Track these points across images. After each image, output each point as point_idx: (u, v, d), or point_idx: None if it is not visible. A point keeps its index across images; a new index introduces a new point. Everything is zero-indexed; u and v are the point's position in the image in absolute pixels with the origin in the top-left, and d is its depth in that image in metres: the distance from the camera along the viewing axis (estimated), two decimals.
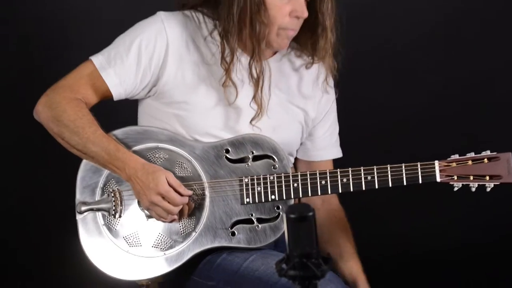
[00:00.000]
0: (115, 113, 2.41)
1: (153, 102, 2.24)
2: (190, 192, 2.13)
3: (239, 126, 2.21)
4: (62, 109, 2.14)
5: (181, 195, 2.12)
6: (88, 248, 2.19)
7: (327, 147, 2.35)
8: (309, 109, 2.30)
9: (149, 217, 2.19)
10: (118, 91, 2.19)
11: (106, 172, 2.19)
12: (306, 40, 2.22)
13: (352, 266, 2.29)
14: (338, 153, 2.38)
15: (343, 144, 2.40)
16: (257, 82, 2.16)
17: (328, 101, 2.33)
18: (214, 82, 2.19)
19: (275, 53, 2.27)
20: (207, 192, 2.18)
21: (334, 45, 2.19)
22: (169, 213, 2.12)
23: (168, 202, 2.11)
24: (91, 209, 2.18)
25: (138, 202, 2.19)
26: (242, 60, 2.19)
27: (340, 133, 2.41)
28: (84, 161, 2.21)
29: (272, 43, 2.18)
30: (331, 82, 2.32)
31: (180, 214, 2.15)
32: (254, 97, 2.18)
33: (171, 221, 2.15)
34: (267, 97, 2.21)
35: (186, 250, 2.17)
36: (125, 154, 2.13)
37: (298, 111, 2.29)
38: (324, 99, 2.32)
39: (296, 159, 2.37)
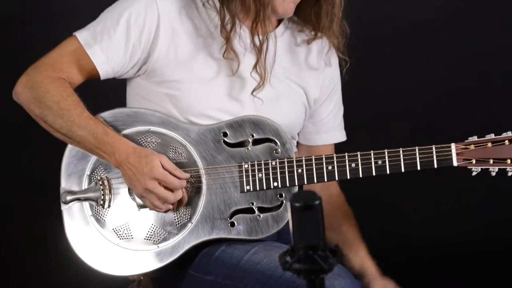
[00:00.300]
0: (102, 93, 2.39)
1: (143, 82, 2.21)
2: (187, 175, 2.10)
3: (240, 97, 2.19)
4: (45, 90, 2.11)
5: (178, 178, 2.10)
6: (74, 241, 2.16)
7: (330, 129, 2.35)
8: (311, 89, 2.28)
9: (141, 206, 2.16)
10: (105, 70, 2.16)
11: (93, 158, 2.17)
12: (309, 10, 2.22)
13: (358, 252, 2.28)
14: (342, 136, 2.37)
15: (350, 127, 2.39)
16: (260, 50, 2.15)
17: (332, 79, 2.32)
18: (210, 56, 2.18)
19: (277, 25, 2.26)
20: (203, 180, 2.16)
21: (338, 14, 2.19)
22: (165, 201, 2.09)
23: (165, 188, 2.08)
24: (78, 199, 2.16)
25: (129, 190, 2.16)
26: (243, 29, 2.18)
27: (346, 115, 2.39)
28: (69, 146, 2.18)
29: (277, 8, 2.16)
30: (335, 57, 2.31)
31: (177, 203, 2.13)
32: (255, 66, 2.16)
33: (166, 211, 2.12)
34: (270, 67, 2.19)
35: (181, 243, 2.15)
36: (114, 138, 2.10)
37: (300, 91, 2.27)
38: (328, 78, 2.31)
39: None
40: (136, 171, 2.08)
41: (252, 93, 2.17)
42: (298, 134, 2.34)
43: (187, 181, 2.13)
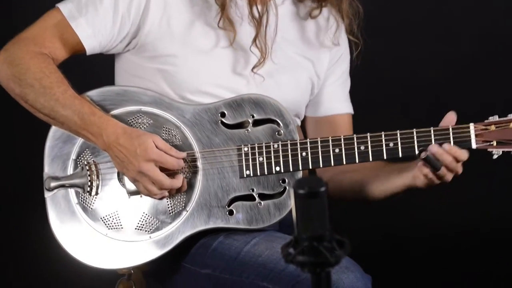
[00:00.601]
0: (88, 70, 2.40)
1: (133, 57, 2.20)
2: (184, 154, 2.10)
3: (244, 73, 2.18)
4: (25, 66, 2.10)
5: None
6: (59, 232, 2.15)
7: (339, 98, 2.33)
8: (320, 63, 2.28)
9: (131, 193, 2.14)
10: (91, 44, 2.15)
11: (79, 140, 2.16)
12: None
13: (390, 172, 2.18)
14: (351, 108, 2.37)
15: (359, 107, 2.38)
16: (259, 23, 2.15)
17: (338, 51, 2.31)
18: (208, 25, 2.18)
19: None
20: (199, 164, 2.14)
21: None
22: (161, 186, 2.07)
23: (159, 172, 2.06)
24: (62, 185, 2.15)
25: (118, 176, 2.15)
26: None
27: (355, 93, 2.38)
28: (52, 128, 2.17)
29: None
30: (344, 35, 2.31)
31: (172, 190, 2.12)
32: (255, 39, 2.15)
33: (161, 198, 2.11)
34: (272, 40, 2.18)
35: (175, 233, 2.14)
36: (102, 118, 2.09)
37: (307, 64, 2.27)
38: (338, 53, 2.32)
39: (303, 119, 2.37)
40: (128, 153, 2.06)
41: (252, 70, 2.17)
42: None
43: (186, 155, 2.12)
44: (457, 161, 2.06)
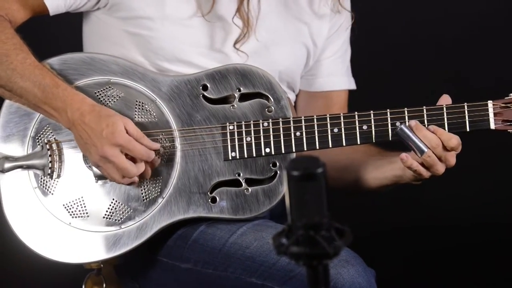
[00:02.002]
0: (51, 34, 2.42)
1: (104, 17, 2.21)
2: (157, 145, 2.11)
3: (223, 49, 2.19)
4: None
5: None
6: (14, 220, 2.15)
7: (337, 72, 2.35)
8: (315, 24, 2.29)
9: (99, 177, 2.16)
10: (54, 3, 2.16)
11: (38, 116, 2.16)
12: None
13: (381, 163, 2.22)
14: (351, 83, 2.38)
15: (361, 81, 2.38)
16: None
17: (339, 19, 2.33)
18: None
19: None
20: (177, 144, 2.16)
21: None
22: (126, 174, 2.09)
23: (124, 159, 2.07)
24: (19, 166, 2.15)
25: (84, 156, 2.16)
26: None
27: (356, 66, 2.39)
28: (6, 102, 2.17)
29: None
30: (347, 2, 2.32)
31: (141, 176, 2.12)
32: (238, 9, 2.16)
33: (128, 184, 2.12)
34: (256, 9, 2.19)
35: (149, 223, 2.15)
36: (67, 90, 2.09)
37: (301, 27, 2.27)
38: (338, 22, 2.33)
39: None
40: (92, 134, 2.07)
41: (234, 45, 2.19)
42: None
43: (160, 145, 2.12)
44: (445, 147, 2.05)
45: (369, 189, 2.25)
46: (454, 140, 2.06)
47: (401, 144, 2.13)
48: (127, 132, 2.07)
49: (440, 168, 2.06)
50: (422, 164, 2.07)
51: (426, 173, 2.07)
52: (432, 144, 2.04)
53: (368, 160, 2.24)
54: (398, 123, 2.07)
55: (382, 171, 2.21)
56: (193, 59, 2.17)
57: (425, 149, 2.04)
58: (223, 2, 2.18)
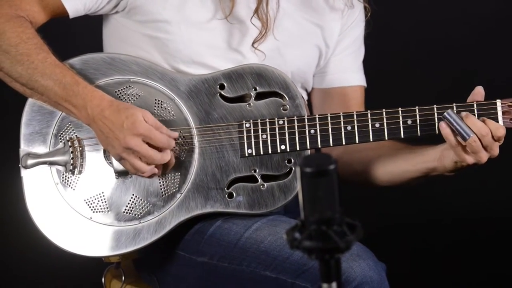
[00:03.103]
0: (72, 35, 2.42)
1: (124, 20, 2.21)
2: (176, 134, 2.11)
3: (240, 48, 2.20)
4: (0, 31, 2.10)
5: None
6: (37, 215, 2.16)
7: (351, 69, 2.34)
8: (328, 26, 2.28)
9: (119, 173, 2.16)
10: (74, 6, 2.16)
11: (60, 114, 2.16)
12: None
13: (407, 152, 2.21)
14: (363, 80, 2.38)
15: (373, 79, 2.38)
16: None
17: (351, 15, 2.32)
18: None
19: None
20: (195, 141, 2.16)
21: None
22: (150, 161, 2.07)
23: (148, 147, 2.06)
24: (42, 163, 2.16)
25: (105, 153, 2.16)
26: None
27: (368, 64, 2.38)
28: (29, 100, 2.18)
29: None
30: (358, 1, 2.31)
31: (163, 168, 2.12)
32: (256, 10, 2.16)
33: (150, 176, 2.11)
34: (274, 10, 2.19)
35: (168, 217, 2.15)
36: (86, 88, 2.09)
37: (314, 29, 2.27)
38: (351, 18, 2.33)
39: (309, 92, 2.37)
40: (113, 127, 2.06)
41: (252, 45, 2.19)
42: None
43: (176, 143, 2.12)
44: (493, 137, 2.04)
45: (399, 182, 2.25)
46: (501, 130, 2.06)
47: (423, 141, 2.13)
48: (146, 122, 2.07)
49: (484, 157, 2.06)
50: (466, 150, 2.06)
51: (468, 158, 2.06)
52: (482, 132, 2.03)
53: (396, 153, 2.23)
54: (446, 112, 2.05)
55: (413, 163, 2.20)
56: (209, 61, 2.17)
57: (471, 134, 2.03)
58: (241, 3, 2.18)
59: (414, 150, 2.21)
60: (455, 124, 2.05)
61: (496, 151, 2.06)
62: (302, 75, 2.27)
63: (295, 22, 2.25)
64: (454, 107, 2.10)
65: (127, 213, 2.15)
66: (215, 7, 2.18)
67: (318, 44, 2.28)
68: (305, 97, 2.32)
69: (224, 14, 2.17)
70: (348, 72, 2.35)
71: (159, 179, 2.14)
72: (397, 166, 2.23)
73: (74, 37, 2.35)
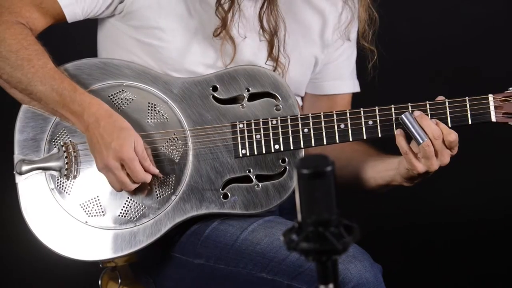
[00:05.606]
0: (67, 40, 2.40)
1: (119, 24, 2.22)
2: (156, 171, 2.11)
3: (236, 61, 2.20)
4: (0, 38, 2.11)
5: (145, 170, 2.10)
6: (32, 220, 2.15)
7: (342, 76, 2.35)
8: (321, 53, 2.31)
9: None
10: (72, 11, 2.17)
11: (54, 120, 2.17)
12: None
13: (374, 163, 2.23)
14: (355, 86, 2.38)
15: (365, 76, 2.35)
16: (271, 38, 2.18)
17: (343, 23, 2.31)
18: (205, 40, 2.19)
19: None
20: (189, 143, 2.16)
21: None
22: (124, 188, 2.11)
23: (123, 174, 2.09)
24: (36, 169, 2.16)
25: None
26: (245, 4, 2.19)
27: (360, 61, 2.36)
28: (23, 107, 2.18)
29: None
30: (354, 33, 2.31)
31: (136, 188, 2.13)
32: (270, 55, 2.19)
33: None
34: (287, 60, 2.22)
35: (163, 220, 2.15)
36: (84, 95, 2.10)
37: (310, 54, 2.30)
38: (340, 22, 2.32)
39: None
40: (102, 141, 2.08)
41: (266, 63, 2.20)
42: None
43: (170, 144, 2.12)
44: (444, 142, 2.03)
45: (367, 188, 2.25)
46: (453, 135, 2.05)
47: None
48: (134, 149, 2.07)
49: (435, 164, 2.05)
50: (417, 157, 2.05)
51: (420, 166, 2.05)
52: (434, 134, 2.03)
53: (366, 159, 2.24)
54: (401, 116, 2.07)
55: (377, 170, 2.21)
56: (199, 70, 2.17)
57: (425, 138, 2.02)
58: (244, 48, 2.20)
59: (381, 158, 2.22)
60: (410, 127, 2.05)
61: (446, 158, 2.05)
62: (297, 85, 2.28)
63: (297, 45, 2.25)
64: (447, 103, 2.09)
65: (122, 216, 2.15)
66: (216, 56, 2.19)
67: (315, 54, 2.30)
68: (300, 103, 2.33)
69: (224, 64, 2.19)
70: (341, 79, 2.36)
71: (154, 182, 2.13)
72: (364, 173, 2.25)
73: (73, 42, 2.34)
